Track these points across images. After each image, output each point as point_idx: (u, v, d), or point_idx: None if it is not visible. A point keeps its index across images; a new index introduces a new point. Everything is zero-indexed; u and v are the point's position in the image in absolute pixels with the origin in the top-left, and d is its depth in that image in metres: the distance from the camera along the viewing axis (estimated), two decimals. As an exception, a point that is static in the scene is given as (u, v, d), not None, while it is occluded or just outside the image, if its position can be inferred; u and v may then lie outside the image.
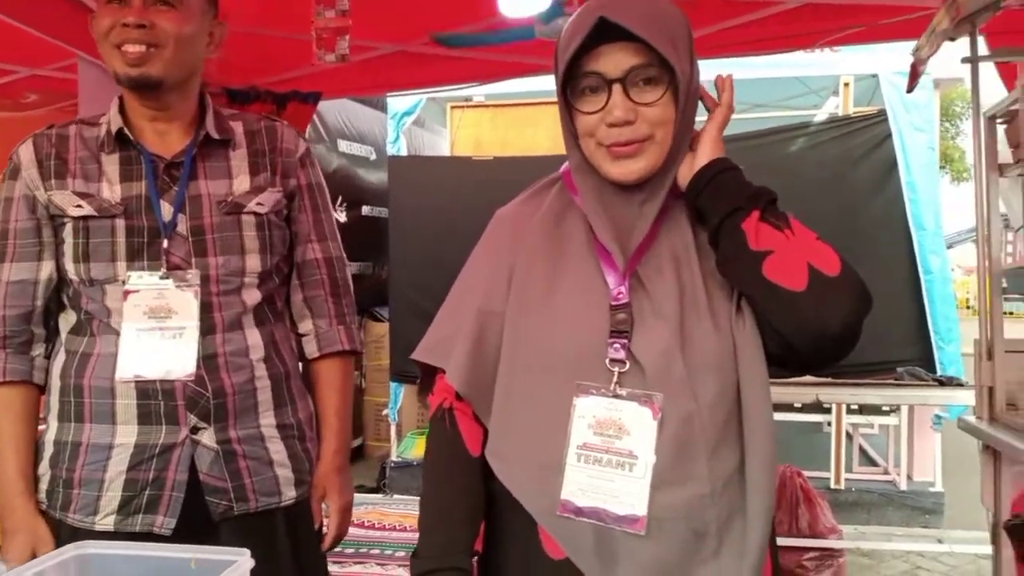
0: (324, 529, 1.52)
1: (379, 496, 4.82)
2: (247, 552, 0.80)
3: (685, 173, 1.10)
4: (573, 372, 1.06)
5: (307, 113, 3.28)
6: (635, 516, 1.02)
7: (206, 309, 1.38)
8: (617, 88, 1.03)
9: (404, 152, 5.25)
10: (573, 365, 1.07)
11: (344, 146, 5.38)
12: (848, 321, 1.01)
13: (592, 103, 1.06)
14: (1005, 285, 2.14)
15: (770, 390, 1.07)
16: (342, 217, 5.31)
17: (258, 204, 1.44)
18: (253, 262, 1.43)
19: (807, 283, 1.01)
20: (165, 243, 1.37)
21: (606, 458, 1.04)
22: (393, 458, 5.14)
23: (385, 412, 5.30)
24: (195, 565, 0.75)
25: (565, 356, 1.08)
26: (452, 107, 5.44)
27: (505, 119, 5.36)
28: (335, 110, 5.22)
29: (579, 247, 1.12)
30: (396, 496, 4.78)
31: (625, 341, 1.05)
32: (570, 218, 1.15)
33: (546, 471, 1.07)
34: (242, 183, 1.44)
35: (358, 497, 4.58)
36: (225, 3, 1.48)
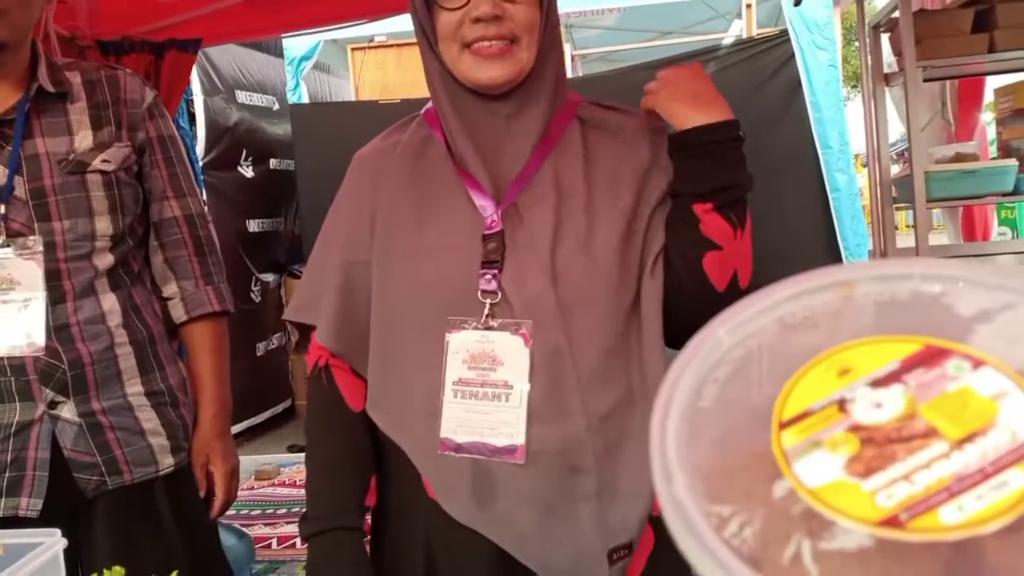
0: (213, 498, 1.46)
1: (311, 454, 4.77)
2: (57, 532, 0.75)
3: (679, 115, 1.03)
4: (445, 308, 1.03)
5: (188, 62, 3.09)
6: (513, 446, 1.00)
7: (53, 277, 1.29)
8: None
9: (306, 100, 5.06)
10: (445, 301, 1.03)
11: (243, 97, 5.14)
12: None
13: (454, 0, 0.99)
14: (895, 195, 2.16)
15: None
16: (249, 173, 5.10)
17: (104, 161, 1.33)
18: (103, 224, 1.33)
19: (726, 286, 1.03)
20: (2, 208, 1.27)
21: (482, 391, 1.01)
22: (323, 415, 5.08)
23: (312, 369, 5.21)
24: (3, 551, 0.69)
25: (437, 293, 1.04)
26: (353, 49, 5.25)
27: (411, 59, 5.19)
28: (229, 58, 4.96)
29: (445, 177, 1.07)
30: (328, 452, 4.74)
31: (496, 271, 1.01)
32: (432, 149, 1.10)
33: (425, 416, 1.04)
34: (84, 139, 1.33)
35: (290, 457, 4.53)
36: None
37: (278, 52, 5.35)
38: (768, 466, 0.34)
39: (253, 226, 5.01)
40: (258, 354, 5.07)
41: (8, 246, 1.26)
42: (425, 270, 1.05)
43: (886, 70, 2.21)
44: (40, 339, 1.27)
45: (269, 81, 5.41)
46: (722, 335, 0.39)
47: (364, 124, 4.66)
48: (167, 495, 1.38)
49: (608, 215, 1.04)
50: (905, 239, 2.28)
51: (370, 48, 5.21)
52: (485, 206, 1.04)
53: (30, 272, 1.27)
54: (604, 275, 1.03)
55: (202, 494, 1.44)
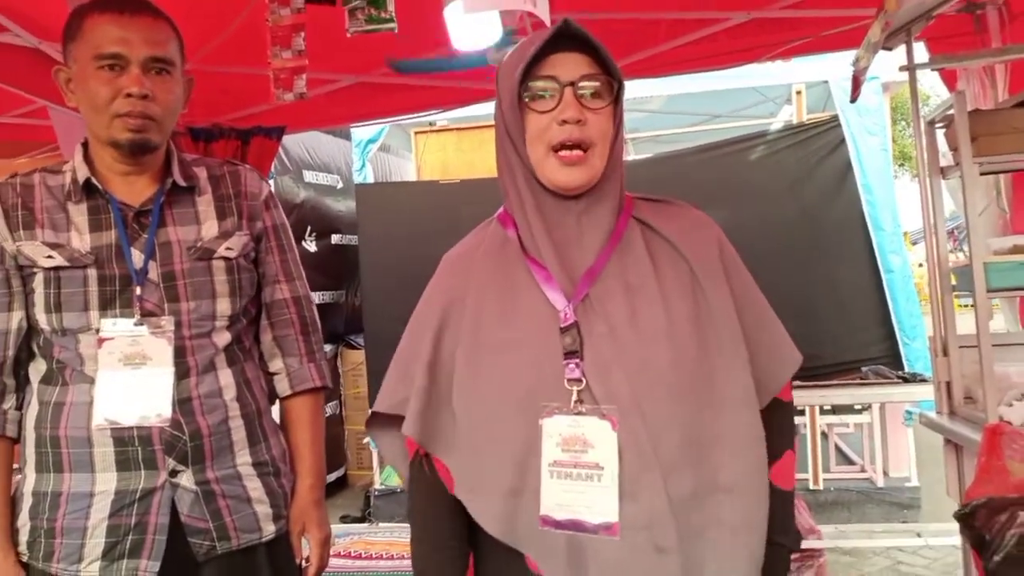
0: (304, 563, 1.54)
1: (364, 525, 4.80)
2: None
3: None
4: (534, 396, 1.11)
5: (272, 148, 3.31)
6: (609, 523, 1.08)
7: (179, 353, 1.41)
8: (569, 90, 1.10)
9: (371, 179, 5.29)
10: (533, 389, 1.11)
11: (310, 176, 5.41)
12: None
13: (545, 104, 1.12)
14: (955, 283, 2.21)
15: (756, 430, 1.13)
16: (312, 247, 5.32)
17: (227, 249, 1.47)
18: (223, 306, 1.46)
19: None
20: (138, 290, 1.40)
21: (575, 472, 1.09)
22: (376, 486, 5.14)
23: (366, 440, 5.30)
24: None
25: (526, 382, 1.12)
26: (416, 133, 5.51)
27: (469, 141, 5.43)
28: (299, 141, 5.25)
29: (522, 274, 1.17)
30: (381, 524, 4.77)
31: (578, 360, 1.10)
32: (510, 251, 1.20)
33: (514, 496, 1.11)
34: (210, 228, 1.47)
35: (344, 527, 4.58)
36: (186, 43, 1.50)
37: (344, 135, 5.64)
38: None
39: (315, 298, 5.18)
40: (315, 423, 5.16)
41: (142, 324, 1.39)
42: (513, 362, 1.13)
43: (942, 162, 2.29)
44: (167, 411, 1.38)
45: (334, 161, 5.69)
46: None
47: (424, 202, 4.90)
48: (268, 561, 1.46)
49: (679, 305, 1.13)
50: (960, 319, 2.31)
51: (432, 132, 5.48)
52: (557, 300, 1.13)
53: (161, 349, 1.39)
54: (681, 362, 1.10)
55: (298, 561, 1.53)
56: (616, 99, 1.13)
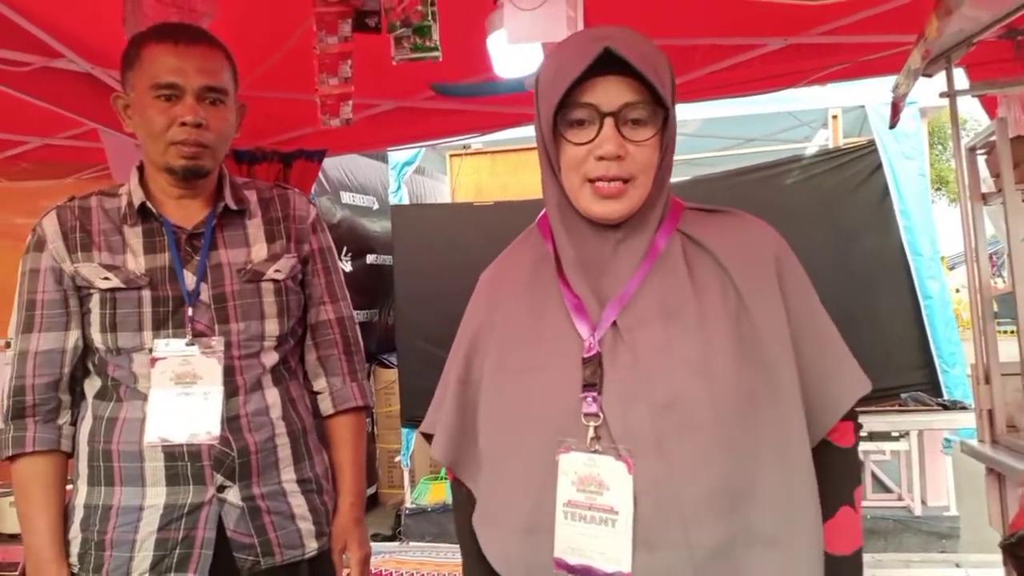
0: (345, 580, 1.56)
1: (395, 544, 4.82)
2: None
3: None
4: (551, 429, 1.04)
5: (313, 171, 3.37)
6: (622, 573, 0.99)
7: (228, 373, 1.44)
8: (609, 122, 1.00)
9: (406, 200, 5.37)
10: (551, 421, 1.04)
11: (347, 197, 5.50)
12: None
13: (582, 135, 1.02)
14: (996, 309, 2.19)
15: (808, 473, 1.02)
16: (347, 267, 5.39)
17: (276, 271, 1.51)
18: (272, 327, 1.49)
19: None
20: (190, 311, 1.43)
21: (590, 514, 1.01)
22: (408, 505, 5.15)
23: (398, 459, 5.32)
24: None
25: (543, 413, 1.05)
26: (451, 155, 5.59)
27: (504, 164, 5.48)
28: (337, 163, 5.35)
29: (554, 298, 1.09)
30: (412, 543, 4.79)
31: (596, 394, 1.01)
32: (545, 270, 1.13)
33: (529, 533, 1.05)
34: (260, 251, 1.51)
35: (374, 546, 4.59)
36: None
37: (381, 157, 5.73)
38: None
39: (351, 317, 5.26)
40: (348, 441, 5.21)
41: (194, 344, 1.42)
42: (532, 389, 1.06)
43: (983, 188, 2.27)
44: (216, 429, 1.41)
45: (371, 183, 5.78)
46: None
47: (459, 223, 4.95)
48: None
49: (720, 332, 1.01)
50: (1002, 345, 2.28)
51: (467, 155, 5.55)
52: (583, 329, 1.04)
53: (211, 369, 1.42)
54: (718, 398, 0.99)
55: (338, 578, 1.55)
56: (664, 126, 1.03)
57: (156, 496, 1.40)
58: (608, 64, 0.98)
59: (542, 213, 1.17)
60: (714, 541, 0.97)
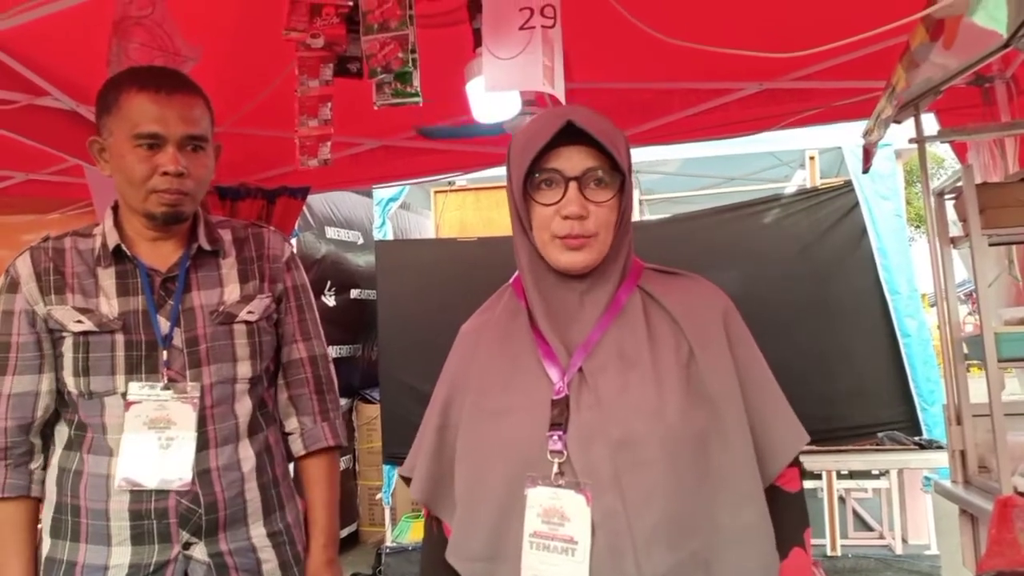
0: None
1: (374, 582, 4.76)
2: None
3: None
4: (522, 465, 1.12)
5: (296, 207, 3.40)
6: None
7: (201, 423, 1.43)
8: (573, 185, 1.12)
9: (391, 236, 5.39)
10: (522, 459, 1.13)
11: (332, 232, 5.52)
12: None
13: (549, 196, 1.14)
14: (966, 351, 2.23)
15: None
16: (331, 301, 5.40)
17: (248, 312, 1.50)
18: (244, 369, 1.49)
19: None
20: (164, 355, 1.43)
21: (552, 544, 1.10)
22: (388, 543, 5.09)
23: (379, 496, 5.27)
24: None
25: (515, 451, 1.14)
26: (436, 192, 5.63)
27: (488, 200, 5.53)
28: (322, 198, 5.37)
29: (527, 346, 1.19)
30: (392, 582, 4.73)
31: (561, 432, 1.11)
32: (519, 321, 1.23)
33: (489, 562, 1.14)
34: (232, 292, 1.50)
35: (353, 584, 4.53)
36: (215, 107, 1.54)
37: (366, 192, 5.76)
38: None
39: (332, 352, 5.24)
40: (329, 478, 5.16)
41: (168, 389, 1.42)
42: (505, 429, 1.15)
43: (952, 231, 2.32)
44: (188, 475, 1.40)
45: (356, 218, 5.80)
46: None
47: (442, 258, 4.97)
48: None
49: (671, 380, 1.12)
50: (975, 384, 2.31)
51: (451, 191, 5.61)
52: (553, 373, 1.15)
53: (185, 415, 1.41)
54: (671, 440, 1.09)
55: (309, 619, 1.54)
56: (621, 189, 1.15)
57: (121, 556, 1.39)
58: (571, 136, 1.12)
59: (515, 275, 1.27)
60: (664, 568, 1.06)
